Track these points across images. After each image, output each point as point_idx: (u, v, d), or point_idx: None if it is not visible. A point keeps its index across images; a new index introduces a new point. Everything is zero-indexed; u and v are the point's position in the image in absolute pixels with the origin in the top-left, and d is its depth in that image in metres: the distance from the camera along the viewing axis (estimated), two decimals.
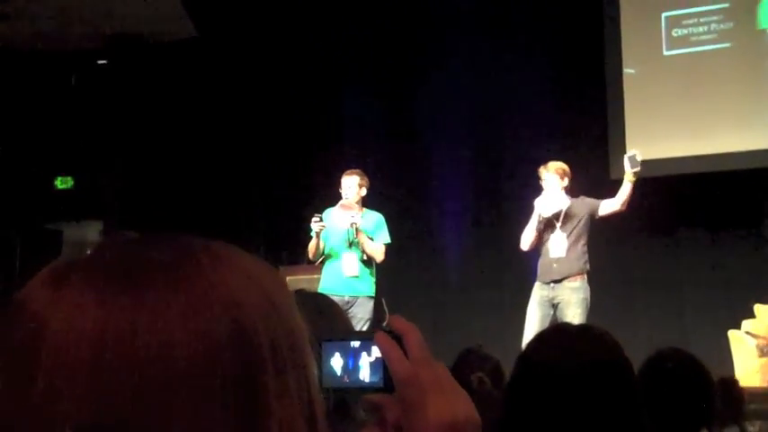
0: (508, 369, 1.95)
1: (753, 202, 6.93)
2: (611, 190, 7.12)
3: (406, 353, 0.83)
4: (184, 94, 8.54)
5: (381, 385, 0.86)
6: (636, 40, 7.49)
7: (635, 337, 5.33)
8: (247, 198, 8.53)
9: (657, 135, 7.30)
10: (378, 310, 6.14)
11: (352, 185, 6.03)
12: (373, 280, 6.08)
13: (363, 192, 6.09)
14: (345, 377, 0.89)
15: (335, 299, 2.72)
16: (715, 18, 7.28)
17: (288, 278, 7.64)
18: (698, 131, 7.19)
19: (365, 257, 6.01)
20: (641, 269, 7.22)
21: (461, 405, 0.81)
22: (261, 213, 8.55)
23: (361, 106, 8.16)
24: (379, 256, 6.03)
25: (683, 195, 7.15)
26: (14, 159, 8.88)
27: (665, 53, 7.43)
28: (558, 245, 5.88)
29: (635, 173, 5.81)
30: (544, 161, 6.08)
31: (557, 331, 1.86)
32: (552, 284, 5.85)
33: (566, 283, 5.83)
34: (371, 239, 6.00)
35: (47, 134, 8.97)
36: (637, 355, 2.01)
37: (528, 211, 6.03)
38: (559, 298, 5.83)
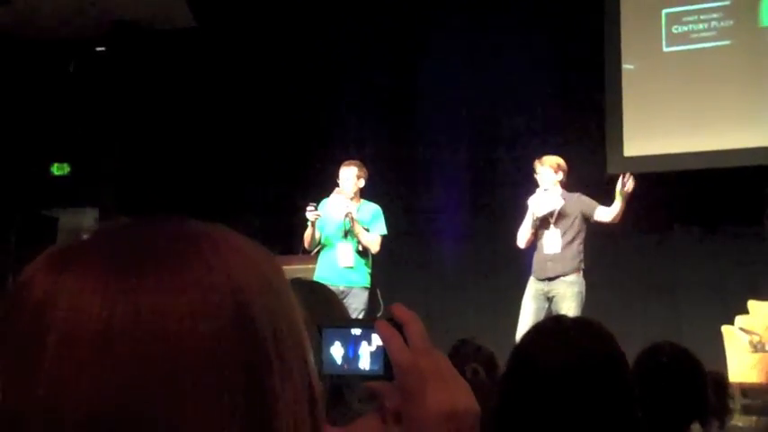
0: (502, 361, 1.95)
1: (748, 198, 6.93)
2: (608, 185, 7.15)
3: (406, 341, 0.83)
4: (182, 82, 8.52)
5: (381, 373, 0.86)
6: (635, 36, 7.48)
7: (629, 331, 5.32)
8: (243, 187, 8.52)
9: (655, 131, 7.31)
10: (372, 301, 6.14)
11: (350, 176, 6.02)
12: (368, 271, 6.08)
13: (361, 183, 6.09)
14: (345, 365, 0.89)
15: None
16: (715, 15, 7.27)
17: (283, 268, 7.66)
18: (696, 128, 7.19)
19: (360, 248, 6.00)
20: (637, 264, 7.23)
21: (461, 394, 0.82)
22: (257, 203, 8.54)
23: (358, 98, 8.15)
24: (374, 247, 6.03)
25: (679, 191, 7.16)
26: (11, 145, 8.86)
27: (665, 50, 7.42)
28: (553, 242, 5.90)
29: (627, 192, 5.81)
30: (540, 155, 6.09)
31: (552, 323, 1.87)
32: (547, 281, 5.88)
33: (561, 278, 5.85)
34: (367, 230, 6.00)
35: (44, 121, 8.95)
36: (631, 349, 2.02)
37: (524, 204, 6.05)
38: (554, 291, 5.85)
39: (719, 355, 6.03)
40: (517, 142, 7.53)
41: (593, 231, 6.09)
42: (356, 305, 5.84)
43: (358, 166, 6.08)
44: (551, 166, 5.98)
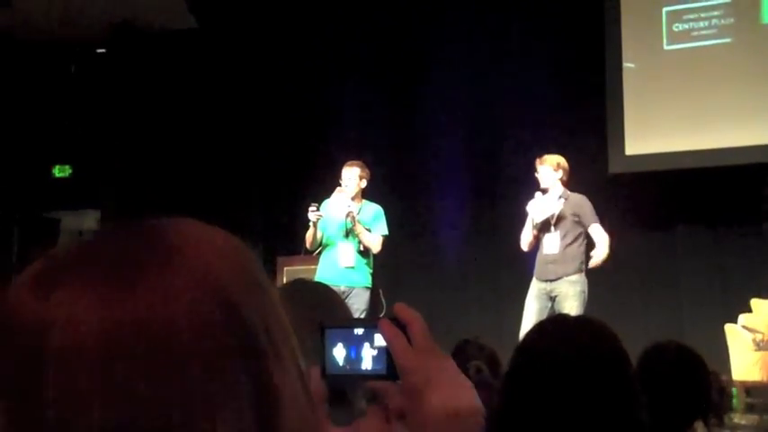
0: (505, 361, 1.95)
1: (751, 197, 6.92)
2: (609, 184, 7.14)
3: (409, 341, 0.83)
4: (183, 83, 8.52)
5: (384, 373, 0.86)
6: (636, 34, 7.48)
7: (632, 329, 5.31)
8: (245, 188, 8.52)
9: (657, 130, 7.30)
10: (375, 301, 6.14)
11: (352, 177, 6.02)
12: (370, 271, 6.07)
13: (363, 183, 6.08)
14: (348, 365, 0.89)
15: None
16: (716, 13, 7.26)
17: (285, 268, 7.66)
18: (697, 126, 7.18)
19: (362, 248, 6.00)
20: (639, 263, 7.22)
21: (465, 394, 0.82)
22: (259, 203, 8.55)
23: (360, 99, 8.15)
24: (375, 247, 6.03)
25: (681, 190, 7.15)
26: (13, 148, 8.87)
27: (666, 48, 7.41)
28: (553, 244, 5.92)
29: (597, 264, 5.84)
30: (542, 155, 6.10)
31: (555, 322, 1.87)
32: (549, 281, 5.89)
33: (563, 278, 5.86)
34: (369, 230, 6.00)
35: (45, 123, 8.95)
36: (634, 348, 2.01)
37: (526, 204, 6.05)
38: (557, 291, 5.86)
39: (722, 353, 6.02)
40: (518, 141, 7.52)
41: None
42: (358, 305, 5.83)
43: (360, 167, 6.08)
44: (551, 165, 5.99)
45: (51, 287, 0.60)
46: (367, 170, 6.12)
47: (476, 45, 7.92)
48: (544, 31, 7.58)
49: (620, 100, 7.41)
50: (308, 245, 6.12)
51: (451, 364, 0.83)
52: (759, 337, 6.07)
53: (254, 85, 8.44)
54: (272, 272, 7.90)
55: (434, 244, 8.01)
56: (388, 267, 7.03)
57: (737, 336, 6.19)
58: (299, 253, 6.81)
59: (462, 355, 3.25)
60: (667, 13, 7.41)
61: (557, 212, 5.93)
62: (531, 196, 6.03)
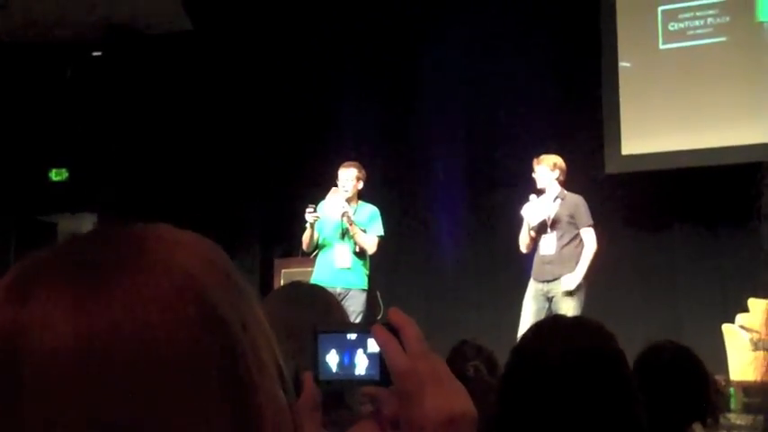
0: (503, 362, 1.95)
1: (748, 196, 6.91)
2: (606, 184, 7.14)
3: (403, 346, 0.83)
4: (180, 86, 8.52)
5: (378, 379, 0.86)
6: (632, 33, 7.48)
7: (629, 330, 5.30)
8: (242, 191, 8.52)
9: (653, 129, 7.30)
10: (372, 303, 6.14)
11: (349, 178, 6.02)
12: (366, 272, 6.07)
13: (360, 185, 6.09)
14: (342, 371, 0.88)
15: None
16: (711, 12, 7.27)
17: (282, 270, 7.66)
18: (693, 125, 7.19)
19: (358, 249, 6.00)
20: (636, 263, 7.22)
21: (459, 399, 0.81)
22: (256, 206, 8.54)
23: (356, 100, 8.14)
24: (371, 248, 6.02)
25: (678, 189, 7.15)
26: (9, 151, 8.85)
27: (662, 47, 7.42)
28: (549, 245, 5.95)
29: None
30: (538, 155, 6.10)
31: (552, 323, 1.87)
32: (546, 282, 5.90)
33: (560, 278, 5.86)
34: (364, 231, 6.00)
35: (42, 126, 8.94)
36: (631, 349, 2.01)
37: (522, 204, 6.05)
38: (554, 291, 5.87)
39: (720, 353, 6.02)
40: (515, 142, 7.52)
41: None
42: (354, 307, 5.82)
43: (357, 168, 6.08)
44: (548, 166, 5.99)
45: (27, 292, 0.60)
46: (363, 171, 6.12)
47: (472, 45, 7.92)
48: (540, 31, 7.58)
49: (617, 99, 7.41)
50: (304, 247, 6.12)
51: (445, 370, 0.83)
52: (756, 336, 6.07)
53: (251, 88, 8.43)
54: (270, 274, 7.90)
55: (431, 245, 8.01)
56: (385, 269, 7.03)
57: (735, 336, 6.19)
58: (296, 255, 6.82)
59: (460, 355, 3.25)
60: (663, 12, 7.42)
61: (552, 214, 5.94)
62: (528, 196, 6.03)
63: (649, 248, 7.28)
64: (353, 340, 0.88)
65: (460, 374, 2.87)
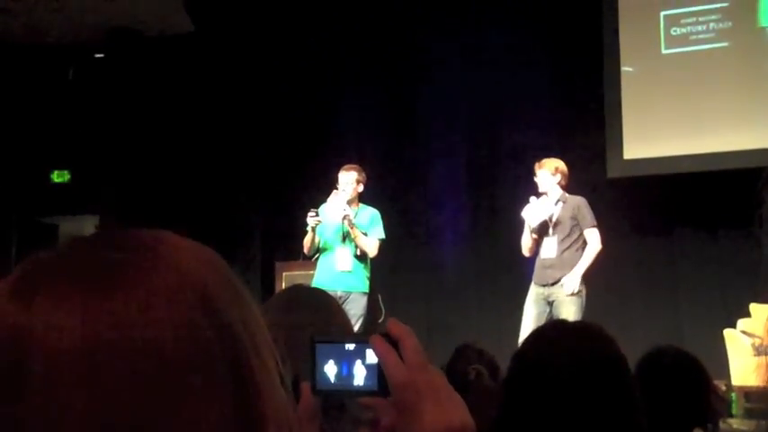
0: (504, 366, 1.95)
1: (750, 201, 6.91)
2: (608, 188, 7.14)
3: (402, 357, 0.82)
4: (182, 88, 8.52)
5: (376, 389, 0.85)
6: (634, 38, 7.48)
7: (631, 334, 5.30)
8: (244, 193, 8.52)
9: (655, 134, 7.30)
10: (374, 307, 6.12)
11: (350, 181, 6.01)
12: (367, 276, 6.05)
13: (360, 188, 6.08)
14: (339, 381, 0.88)
15: None
16: (714, 17, 7.27)
17: (284, 274, 7.66)
18: (696, 130, 7.18)
19: (359, 252, 5.99)
20: (637, 267, 7.22)
21: (456, 410, 0.81)
22: (257, 209, 8.54)
23: (357, 103, 8.14)
24: (372, 251, 6.01)
25: (679, 194, 7.15)
26: (11, 153, 8.86)
27: (664, 52, 7.42)
28: (550, 247, 5.93)
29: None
30: (540, 159, 6.10)
31: (553, 327, 1.86)
32: (547, 286, 5.89)
33: (561, 282, 5.85)
34: (365, 234, 5.99)
35: (43, 128, 8.95)
36: (632, 353, 2.00)
37: (524, 208, 6.04)
38: (555, 295, 5.86)
39: (721, 358, 6.01)
40: (517, 146, 7.52)
41: None
42: (355, 311, 5.80)
43: (357, 171, 6.07)
44: (549, 170, 5.98)
45: (31, 293, 0.60)
46: (364, 174, 6.11)
47: (474, 49, 7.92)
48: (542, 35, 7.58)
49: (619, 104, 7.41)
50: (306, 250, 6.11)
51: (444, 382, 0.83)
52: (758, 341, 6.06)
53: (253, 90, 8.43)
54: (271, 277, 7.89)
55: (433, 248, 8.01)
56: (386, 273, 7.02)
57: (736, 341, 6.18)
58: (297, 259, 6.81)
59: (461, 359, 3.24)
60: (665, 17, 7.42)
61: (555, 216, 5.93)
62: (528, 200, 6.02)
63: (651, 253, 7.27)
64: (352, 350, 0.87)
65: (462, 378, 2.87)
